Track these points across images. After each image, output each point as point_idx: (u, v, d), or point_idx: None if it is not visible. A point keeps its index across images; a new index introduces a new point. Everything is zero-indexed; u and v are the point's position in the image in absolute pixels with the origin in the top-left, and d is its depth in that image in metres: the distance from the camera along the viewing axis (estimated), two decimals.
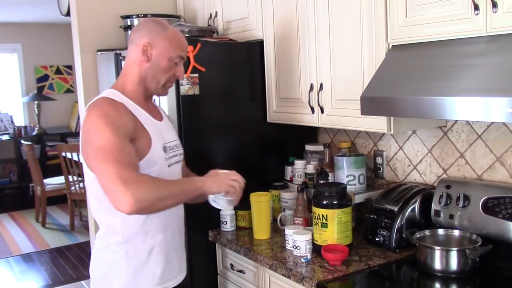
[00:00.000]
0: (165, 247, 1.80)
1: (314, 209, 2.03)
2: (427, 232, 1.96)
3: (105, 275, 1.78)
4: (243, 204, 2.38)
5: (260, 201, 2.26)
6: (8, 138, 7.39)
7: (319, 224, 2.00)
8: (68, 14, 3.36)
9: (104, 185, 1.57)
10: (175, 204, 1.73)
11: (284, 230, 2.16)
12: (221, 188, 1.74)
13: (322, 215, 1.99)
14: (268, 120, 2.60)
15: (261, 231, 2.27)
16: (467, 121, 2.06)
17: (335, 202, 2.00)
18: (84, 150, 1.69)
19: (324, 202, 2.00)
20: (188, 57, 2.33)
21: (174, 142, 1.87)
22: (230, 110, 2.53)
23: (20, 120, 7.69)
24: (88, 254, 5.03)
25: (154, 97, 1.93)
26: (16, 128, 7.41)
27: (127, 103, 1.73)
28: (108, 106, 1.66)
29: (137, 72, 1.76)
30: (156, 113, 1.86)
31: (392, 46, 1.91)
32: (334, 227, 1.98)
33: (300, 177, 2.57)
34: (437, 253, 1.80)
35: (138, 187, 1.51)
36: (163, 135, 1.81)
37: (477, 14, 1.59)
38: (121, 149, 1.58)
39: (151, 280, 1.77)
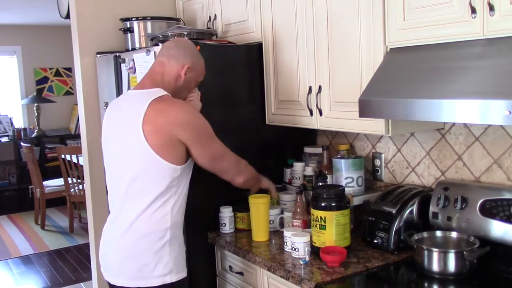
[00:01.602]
0: (183, 236, 2.04)
1: (313, 211, 2.04)
2: (425, 234, 1.96)
3: (147, 263, 1.88)
4: (242, 206, 2.40)
5: (259, 203, 2.27)
6: (8, 140, 7.39)
7: (318, 226, 2.01)
8: (67, 16, 3.36)
9: (224, 164, 2.06)
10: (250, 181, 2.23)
11: (282, 232, 2.17)
12: (273, 185, 2.39)
13: (321, 217, 2.00)
14: (267, 122, 2.60)
15: (260, 233, 2.28)
16: (464, 123, 2.07)
17: (334, 204, 2.00)
18: (156, 141, 1.86)
19: (323, 204, 2.01)
20: None
21: None
22: (229, 113, 2.54)
23: (20, 122, 7.70)
24: (87, 256, 5.03)
25: None
26: (15, 130, 7.42)
27: None
28: (188, 104, 2.04)
29: (173, 84, 2.02)
30: None
31: (390, 49, 1.92)
32: (332, 229, 1.99)
33: (299, 179, 2.57)
34: (435, 255, 1.80)
35: (247, 169, 2.16)
36: None
37: (474, 17, 1.60)
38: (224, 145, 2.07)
39: (184, 263, 2.00)
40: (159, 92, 1.93)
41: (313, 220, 2.03)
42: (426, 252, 1.82)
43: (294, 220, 2.24)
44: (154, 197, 1.87)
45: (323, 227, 2.00)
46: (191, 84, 2.09)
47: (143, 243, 1.88)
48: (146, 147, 1.84)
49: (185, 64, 2.00)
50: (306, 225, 2.22)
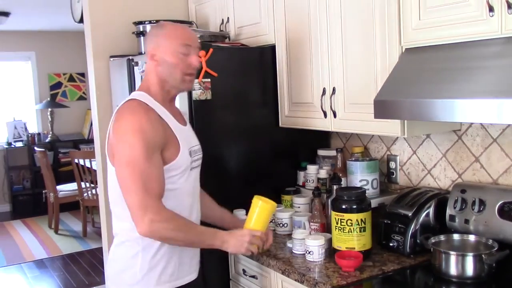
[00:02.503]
0: (175, 246, 1.83)
1: (347, 215, 1.96)
2: (442, 237, 1.93)
3: (120, 270, 1.85)
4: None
5: (266, 208, 1.93)
6: (22, 145, 7.45)
7: (358, 229, 1.95)
8: (81, 21, 3.39)
9: (127, 201, 1.69)
10: (188, 246, 1.85)
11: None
12: (240, 251, 1.85)
13: (361, 219, 1.96)
14: (280, 124, 2.59)
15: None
16: (482, 124, 2.04)
17: (368, 205, 2.00)
18: (110, 150, 1.77)
19: (363, 206, 1.98)
20: (200, 62, 2.34)
21: (197, 146, 1.95)
22: (242, 115, 2.53)
23: (34, 127, 7.76)
24: (100, 260, 5.04)
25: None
26: (29, 135, 7.48)
27: (157, 108, 1.80)
28: (143, 115, 1.72)
29: (156, 78, 1.83)
30: (180, 117, 1.93)
31: (406, 49, 1.89)
32: (370, 230, 1.98)
33: (313, 182, 2.55)
34: (453, 258, 1.77)
35: (155, 222, 1.66)
36: (189, 140, 1.89)
37: (492, 16, 1.58)
38: (149, 173, 1.68)
39: (161, 276, 1.81)
40: (131, 96, 1.83)
41: (347, 225, 1.96)
42: (443, 256, 1.79)
43: (312, 224, 2.21)
44: (123, 207, 1.75)
45: (363, 230, 1.96)
46: (170, 60, 1.79)
47: (120, 250, 1.85)
48: (106, 155, 1.83)
49: (148, 50, 1.82)
50: (324, 228, 2.20)
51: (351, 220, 1.95)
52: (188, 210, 1.86)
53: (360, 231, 1.96)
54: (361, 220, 1.96)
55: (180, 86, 1.85)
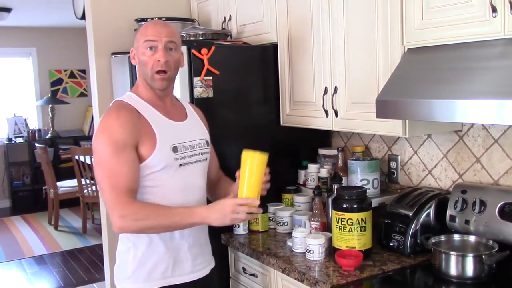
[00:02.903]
0: (170, 243, 1.84)
1: (347, 214, 1.96)
2: (442, 238, 1.93)
3: (116, 264, 1.91)
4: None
5: (254, 158, 1.76)
6: (22, 141, 7.45)
7: (359, 228, 1.95)
8: (83, 17, 3.38)
9: (103, 195, 1.74)
10: (169, 231, 1.81)
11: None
12: (224, 222, 1.74)
13: (362, 219, 1.96)
14: (281, 123, 2.59)
15: (250, 190, 1.77)
16: (483, 125, 2.04)
17: (368, 204, 2.00)
18: None
19: (363, 206, 1.98)
20: (202, 60, 2.34)
21: (195, 141, 1.91)
22: (243, 113, 2.53)
23: (34, 123, 7.76)
24: (100, 257, 5.05)
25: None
26: (30, 131, 7.48)
27: (141, 104, 1.83)
28: (113, 115, 1.76)
29: (140, 76, 1.88)
30: (176, 113, 1.92)
31: (408, 49, 1.89)
32: (371, 229, 1.98)
33: (314, 181, 2.55)
34: (453, 258, 1.77)
35: (123, 216, 1.68)
36: (178, 135, 1.86)
37: (495, 17, 1.57)
38: (116, 171, 1.70)
39: (151, 273, 1.82)
40: (121, 96, 1.87)
41: (347, 224, 1.96)
42: (443, 256, 1.79)
43: (312, 222, 2.21)
44: None
45: (363, 229, 1.96)
46: (141, 58, 1.81)
47: (119, 245, 1.90)
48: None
49: (132, 50, 1.87)
50: (325, 227, 2.20)
51: (351, 220, 1.96)
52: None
53: (360, 231, 1.96)
54: (362, 219, 1.96)
55: (153, 84, 1.82)
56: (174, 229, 1.80)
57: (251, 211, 1.74)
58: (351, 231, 1.96)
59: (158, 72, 1.79)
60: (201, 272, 1.94)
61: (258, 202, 1.74)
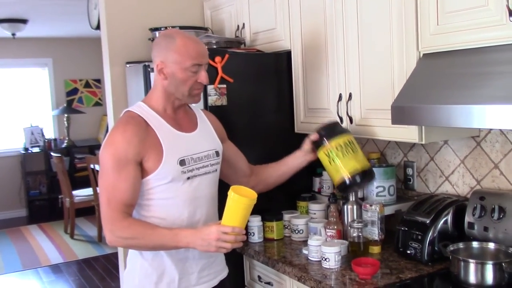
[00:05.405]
0: (176, 254, 1.83)
1: (335, 141, 2.04)
2: (461, 245, 1.90)
3: (127, 271, 1.92)
4: (271, 216, 2.38)
5: (240, 202, 1.68)
6: (39, 150, 7.53)
7: (351, 150, 2.03)
8: (98, 27, 3.42)
9: (101, 206, 1.77)
10: (156, 251, 1.81)
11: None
12: (209, 250, 1.72)
13: (349, 141, 2.04)
14: (296, 130, 2.58)
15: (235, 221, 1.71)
16: (501, 130, 2.01)
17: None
18: None
19: (340, 129, 2.09)
20: (216, 68, 2.35)
21: (204, 153, 1.88)
22: (257, 121, 2.52)
23: (50, 133, 7.84)
24: (115, 266, 5.06)
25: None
26: (46, 140, 7.56)
27: (150, 116, 1.82)
28: (121, 130, 1.78)
29: (161, 88, 1.84)
30: (187, 123, 1.90)
31: (423, 54, 1.87)
32: (360, 151, 2.06)
33: (329, 188, 2.54)
34: (472, 266, 1.74)
35: (112, 231, 1.73)
36: (186, 147, 1.84)
37: None
38: (115, 186, 1.72)
39: (158, 284, 1.82)
40: (131, 107, 1.88)
41: (338, 150, 2.02)
42: (462, 263, 1.76)
43: (328, 230, 2.19)
44: None
45: (355, 150, 2.04)
46: (179, 76, 1.78)
47: (130, 254, 1.92)
48: None
49: (157, 63, 1.80)
50: (341, 234, 2.18)
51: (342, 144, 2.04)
52: (188, 219, 1.83)
53: (353, 152, 2.03)
54: (349, 141, 2.05)
55: (187, 100, 1.87)
56: (161, 250, 1.80)
57: (236, 240, 1.70)
58: (359, 150, 2.05)
59: (196, 89, 1.84)
60: (208, 284, 1.91)
61: (243, 231, 1.71)
